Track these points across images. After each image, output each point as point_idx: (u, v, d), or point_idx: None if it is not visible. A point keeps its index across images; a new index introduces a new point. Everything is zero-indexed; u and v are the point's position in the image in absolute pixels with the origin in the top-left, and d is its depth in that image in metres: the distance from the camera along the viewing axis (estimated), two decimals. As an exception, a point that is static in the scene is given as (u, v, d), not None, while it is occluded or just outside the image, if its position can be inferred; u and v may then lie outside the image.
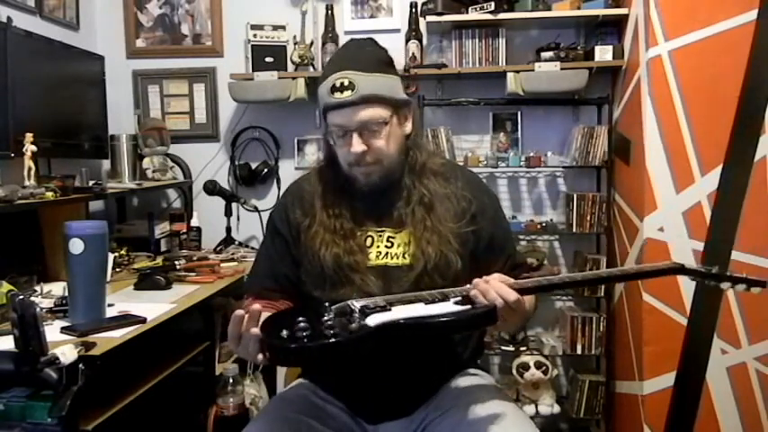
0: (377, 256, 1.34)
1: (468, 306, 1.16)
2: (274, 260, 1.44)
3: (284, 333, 1.09)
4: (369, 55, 1.35)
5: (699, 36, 2.10)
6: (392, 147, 1.34)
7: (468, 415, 1.25)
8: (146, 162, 2.69)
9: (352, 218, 1.36)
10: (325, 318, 1.13)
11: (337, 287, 1.31)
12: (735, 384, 2.15)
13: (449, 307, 1.17)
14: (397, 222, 1.35)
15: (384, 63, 1.35)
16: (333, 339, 1.07)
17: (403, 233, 1.33)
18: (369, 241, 1.35)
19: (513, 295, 1.13)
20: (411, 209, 1.33)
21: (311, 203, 1.39)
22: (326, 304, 1.19)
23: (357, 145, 1.30)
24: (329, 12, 2.75)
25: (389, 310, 1.16)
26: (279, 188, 2.93)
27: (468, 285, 1.18)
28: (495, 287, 1.14)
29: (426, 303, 1.18)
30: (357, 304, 1.17)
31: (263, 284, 1.44)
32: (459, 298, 1.17)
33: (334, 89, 1.29)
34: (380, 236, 1.36)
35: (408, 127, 1.39)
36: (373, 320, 1.12)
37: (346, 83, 1.28)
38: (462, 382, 1.36)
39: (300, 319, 1.10)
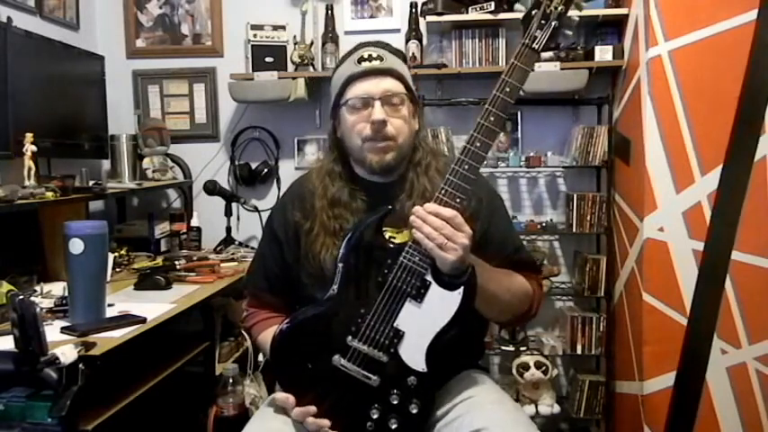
0: None
1: (456, 292, 1.18)
2: (268, 262, 1.47)
3: None
4: (390, 46, 1.42)
5: (699, 36, 2.10)
6: (407, 129, 1.36)
7: (469, 415, 1.24)
8: (146, 162, 2.69)
9: (353, 219, 1.36)
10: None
11: None
12: (735, 384, 2.15)
13: (438, 297, 1.18)
14: (398, 221, 1.34)
15: (403, 56, 1.43)
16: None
17: (404, 233, 1.32)
18: None
19: (448, 211, 1.15)
20: (412, 203, 1.32)
21: (312, 204, 1.39)
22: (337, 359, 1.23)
23: (380, 112, 1.31)
24: (329, 12, 2.75)
25: (402, 334, 1.20)
26: (279, 188, 2.93)
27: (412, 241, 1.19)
28: (425, 216, 1.16)
29: (412, 298, 1.19)
30: (363, 347, 1.21)
31: (257, 285, 1.49)
32: (428, 266, 1.18)
33: (362, 59, 1.34)
34: None
35: (416, 124, 1.41)
36: (407, 356, 1.20)
37: (375, 54, 1.35)
38: (463, 382, 1.36)
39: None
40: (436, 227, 1.15)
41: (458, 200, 1.18)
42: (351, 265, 1.24)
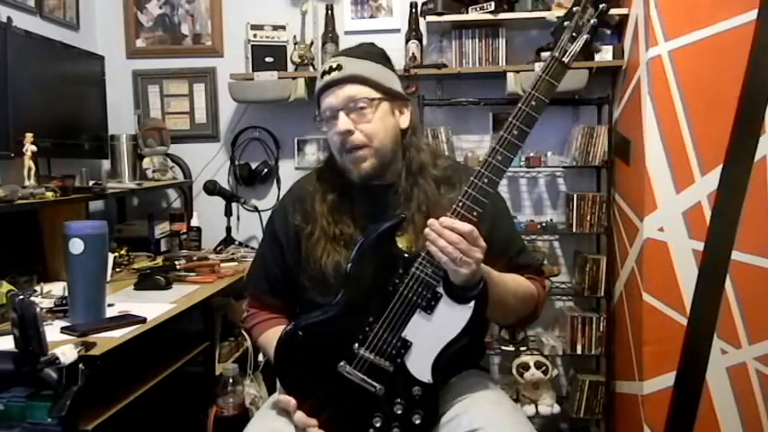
0: None
1: (467, 306, 1.16)
2: (268, 263, 1.46)
3: None
4: (363, 48, 1.40)
5: (699, 36, 2.10)
6: (382, 132, 1.33)
7: (467, 415, 1.25)
8: (146, 162, 2.70)
9: (353, 223, 1.35)
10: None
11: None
12: (735, 384, 2.15)
13: (448, 310, 1.17)
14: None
15: (378, 55, 1.39)
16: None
17: (403, 237, 1.32)
18: None
19: (465, 226, 1.14)
20: (411, 215, 1.32)
21: (312, 207, 1.39)
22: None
23: (343, 123, 1.30)
24: (329, 12, 2.75)
25: (409, 345, 1.19)
26: (279, 188, 2.93)
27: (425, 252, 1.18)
28: (441, 230, 1.14)
29: (422, 310, 1.19)
30: (370, 355, 1.20)
31: (257, 287, 1.49)
32: (440, 278, 1.17)
33: (323, 73, 1.34)
34: None
35: (405, 122, 1.39)
36: (413, 367, 1.19)
37: (335, 65, 1.33)
38: (463, 382, 1.36)
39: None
40: (452, 241, 1.13)
41: (475, 213, 1.16)
42: (361, 272, 1.23)
